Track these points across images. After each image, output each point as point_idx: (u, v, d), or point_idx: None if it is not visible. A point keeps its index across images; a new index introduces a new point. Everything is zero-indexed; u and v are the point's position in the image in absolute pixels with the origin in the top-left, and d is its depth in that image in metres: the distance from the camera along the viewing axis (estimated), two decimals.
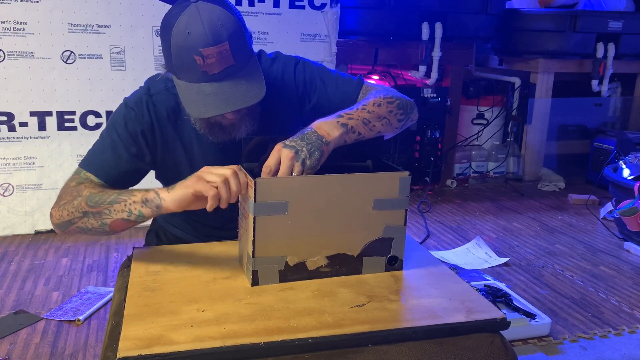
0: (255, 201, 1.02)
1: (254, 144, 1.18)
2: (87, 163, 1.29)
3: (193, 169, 1.15)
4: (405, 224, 1.12)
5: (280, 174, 1.08)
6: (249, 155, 1.17)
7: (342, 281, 1.10)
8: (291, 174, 1.09)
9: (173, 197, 1.11)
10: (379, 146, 1.26)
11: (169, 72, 1.24)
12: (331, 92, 1.37)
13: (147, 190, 1.15)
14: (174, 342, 0.87)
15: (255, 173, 1.09)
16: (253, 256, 1.05)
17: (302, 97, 1.37)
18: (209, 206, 1.09)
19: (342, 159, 1.21)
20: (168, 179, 1.29)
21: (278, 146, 1.11)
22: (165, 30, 1.17)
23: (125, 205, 1.15)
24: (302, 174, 1.09)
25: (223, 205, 1.09)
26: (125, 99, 1.34)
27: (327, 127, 1.15)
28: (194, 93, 1.17)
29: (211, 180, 1.08)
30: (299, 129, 1.16)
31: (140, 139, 1.29)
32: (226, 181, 1.07)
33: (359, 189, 1.07)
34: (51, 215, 1.26)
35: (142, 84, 1.36)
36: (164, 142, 1.32)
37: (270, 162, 1.09)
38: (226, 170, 1.08)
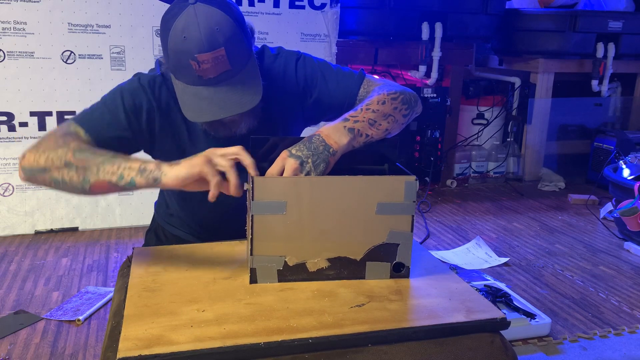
0: (252, 199, 1.02)
1: (267, 146, 1.16)
2: (80, 118, 1.23)
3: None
4: (412, 230, 1.09)
5: None
6: (258, 154, 1.14)
7: (342, 281, 1.09)
8: None
9: (177, 174, 1.05)
10: (393, 148, 1.23)
11: (167, 69, 1.24)
12: (332, 87, 1.36)
13: (145, 161, 1.08)
14: (174, 342, 0.87)
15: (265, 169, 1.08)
16: (251, 254, 1.05)
17: (303, 91, 1.37)
18: (212, 195, 1.04)
19: (358, 162, 1.19)
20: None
21: (284, 154, 1.09)
22: (164, 30, 1.16)
23: (118, 168, 1.08)
24: None
25: (232, 191, 1.05)
26: (139, 74, 1.31)
27: (335, 136, 1.13)
28: (190, 95, 1.17)
29: (221, 164, 1.04)
30: (300, 124, 1.14)
31: (144, 115, 1.26)
32: (234, 167, 1.04)
33: (361, 192, 1.05)
34: (23, 156, 1.15)
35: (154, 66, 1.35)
36: (164, 127, 1.30)
37: (273, 170, 1.08)
38: (235, 149, 1.05)
